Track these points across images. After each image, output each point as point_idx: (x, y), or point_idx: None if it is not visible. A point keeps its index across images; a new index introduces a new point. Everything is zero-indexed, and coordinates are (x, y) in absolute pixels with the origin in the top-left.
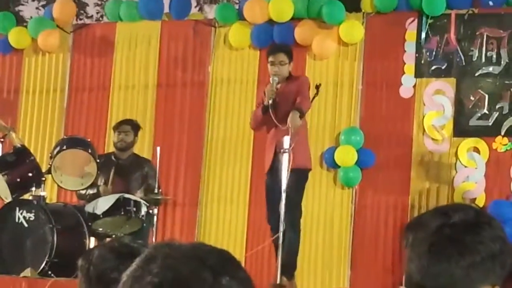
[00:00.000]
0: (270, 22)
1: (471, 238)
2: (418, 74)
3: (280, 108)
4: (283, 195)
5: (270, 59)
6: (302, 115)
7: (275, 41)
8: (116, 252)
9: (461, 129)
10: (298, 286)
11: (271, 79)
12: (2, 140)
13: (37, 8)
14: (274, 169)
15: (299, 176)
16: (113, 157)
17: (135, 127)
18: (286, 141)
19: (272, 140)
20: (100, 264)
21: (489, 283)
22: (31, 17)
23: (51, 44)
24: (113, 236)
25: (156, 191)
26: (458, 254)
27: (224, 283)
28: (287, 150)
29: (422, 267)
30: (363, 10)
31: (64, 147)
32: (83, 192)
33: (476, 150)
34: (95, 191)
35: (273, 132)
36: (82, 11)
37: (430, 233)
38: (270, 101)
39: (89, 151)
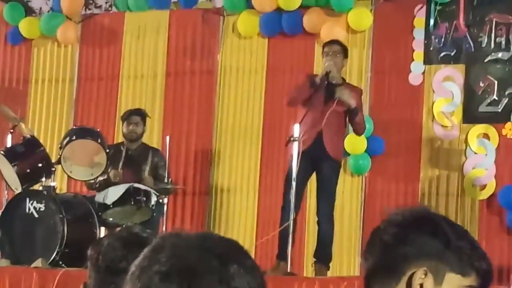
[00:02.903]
0: (279, 10)
1: (405, 229)
2: (427, 61)
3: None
4: (293, 184)
5: (325, 49)
6: (354, 114)
7: (284, 29)
8: (125, 241)
9: (470, 116)
10: (308, 273)
11: (327, 62)
12: (11, 131)
13: None
14: (305, 154)
15: (338, 167)
16: (122, 148)
17: (144, 116)
18: (296, 129)
19: (314, 124)
20: (109, 254)
21: (418, 265)
22: (40, 8)
23: (69, 37)
24: (123, 225)
25: (166, 180)
26: (390, 240)
27: (232, 271)
28: (297, 139)
29: (363, 264)
30: None
31: (74, 137)
32: (92, 180)
33: (486, 136)
34: (105, 177)
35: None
36: (90, 1)
37: (371, 235)
38: (326, 77)
39: (99, 141)
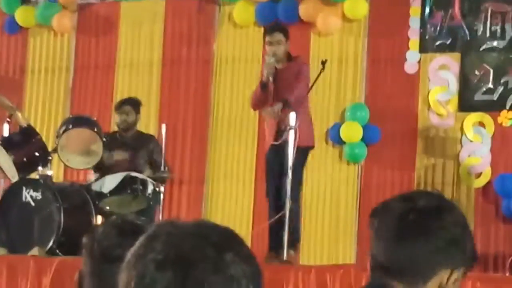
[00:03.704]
0: None
1: (434, 223)
2: (423, 49)
3: (279, 88)
4: (289, 172)
5: (268, 39)
6: (287, 105)
7: (280, 18)
8: (120, 229)
9: (466, 104)
10: (304, 261)
11: (267, 57)
12: (8, 120)
13: None
14: (277, 145)
15: (301, 153)
16: (118, 136)
17: (136, 105)
18: (292, 118)
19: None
20: (103, 241)
21: (449, 266)
22: None
23: (65, 26)
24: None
25: (162, 168)
26: (423, 238)
27: (228, 259)
28: (292, 127)
29: (387, 250)
30: None
31: (70, 126)
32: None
33: (482, 124)
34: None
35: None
36: None
37: (395, 218)
38: (271, 79)
39: (95, 129)
